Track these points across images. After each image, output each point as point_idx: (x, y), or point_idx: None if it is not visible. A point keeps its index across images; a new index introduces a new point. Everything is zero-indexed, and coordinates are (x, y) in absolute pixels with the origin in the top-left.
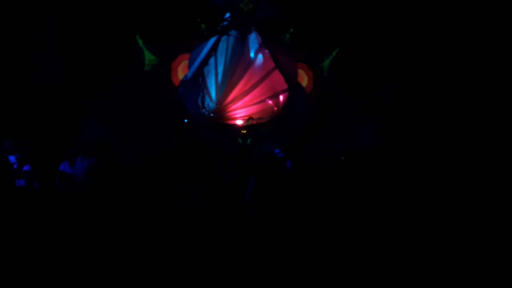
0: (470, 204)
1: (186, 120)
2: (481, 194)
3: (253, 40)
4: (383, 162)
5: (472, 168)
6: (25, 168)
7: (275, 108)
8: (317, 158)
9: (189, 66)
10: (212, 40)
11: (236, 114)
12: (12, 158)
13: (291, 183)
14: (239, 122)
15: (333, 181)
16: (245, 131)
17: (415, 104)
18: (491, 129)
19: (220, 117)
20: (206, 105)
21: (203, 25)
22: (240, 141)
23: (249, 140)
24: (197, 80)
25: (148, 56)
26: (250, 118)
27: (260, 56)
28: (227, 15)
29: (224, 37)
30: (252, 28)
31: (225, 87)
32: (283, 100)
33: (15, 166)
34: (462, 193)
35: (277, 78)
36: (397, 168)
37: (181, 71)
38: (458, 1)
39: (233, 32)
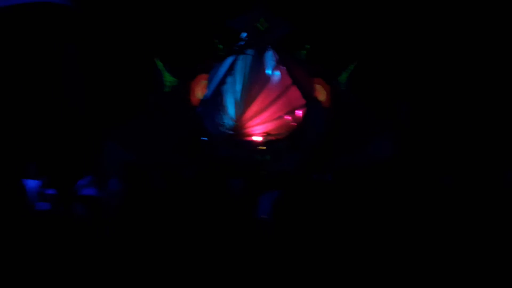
0: (485, 217)
1: (205, 138)
2: (495, 209)
3: (270, 57)
4: (402, 175)
5: (490, 181)
6: (50, 191)
7: (293, 124)
8: (338, 172)
9: (208, 85)
10: (229, 60)
11: (254, 130)
12: (35, 182)
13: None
14: (257, 138)
15: (355, 194)
16: (263, 147)
17: (433, 117)
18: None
19: (238, 134)
20: (224, 123)
21: (220, 46)
22: (259, 157)
23: (268, 156)
24: (216, 99)
25: (168, 78)
26: (268, 134)
27: (277, 73)
28: (244, 35)
29: (241, 56)
30: (269, 46)
31: (243, 104)
32: (301, 115)
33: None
34: (479, 206)
35: (295, 94)
36: (415, 181)
37: (200, 91)
38: (476, 18)
39: (250, 51)
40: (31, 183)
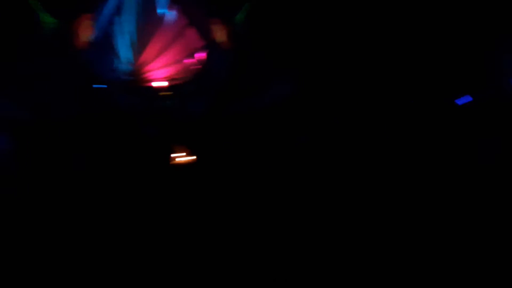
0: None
1: (97, 86)
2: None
3: None
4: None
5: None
6: None
7: (196, 67)
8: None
9: (94, 26)
10: None
11: (155, 75)
12: None
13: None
14: (161, 83)
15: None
16: (168, 93)
17: (332, 51)
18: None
19: (137, 79)
20: (119, 68)
21: None
22: (160, 103)
23: (170, 102)
24: (105, 41)
25: (46, 19)
26: (172, 78)
27: (171, 12)
28: None
29: None
30: None
31: (138, 47)
32: (200, 58)
33: None
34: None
35: (193, 35)
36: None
37: (85, 33)
38: None
39: None
40: None
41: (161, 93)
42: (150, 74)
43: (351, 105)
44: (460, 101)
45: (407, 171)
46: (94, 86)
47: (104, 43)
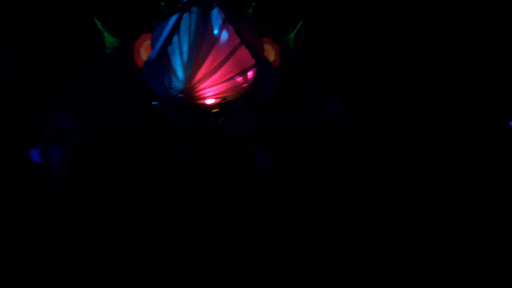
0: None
1: (155, 103)
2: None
3: (216, 16)
4: (353, 132)
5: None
6: None
7: (244, 85)
8: (290, 132)
9: (152, 46)
10: (174, 18)
11: (205, 93)
12: None
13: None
14: (210, 101)
15: (309, 152)
16: (216, 110)
17: (381, 73)
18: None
19: (189, 97)
20: (173, 86)
21: (162, 3)
22: (211, 120)
23: (221, 119)
24: (162, 60)
25: (109, 38)
26: (221, 96)
27: (224, 32)
28: None
29: (185, 15)
30: (214, 4)
31: (191, 66)
32: (251, 76)
33: None
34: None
35: (244, 54)
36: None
37: (144, 51)
38: None
39: (194, 9)
40: None
41: (213, 110)
42: (202, 92)
43: (401, 129)
44: None
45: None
46: (153, 103)
47: (161, 62)
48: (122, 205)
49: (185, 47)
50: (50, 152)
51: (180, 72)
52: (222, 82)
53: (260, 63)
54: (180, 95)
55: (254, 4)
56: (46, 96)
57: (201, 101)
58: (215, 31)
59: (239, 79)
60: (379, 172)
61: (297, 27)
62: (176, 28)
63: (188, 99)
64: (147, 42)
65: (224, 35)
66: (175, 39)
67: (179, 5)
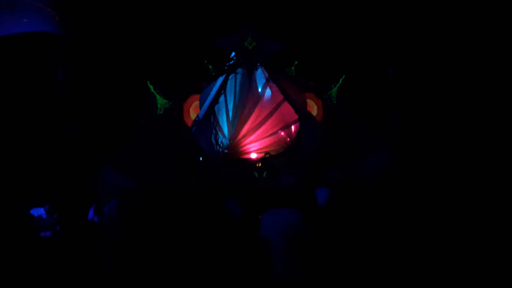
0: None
1: (201, 158)
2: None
3: (260, 75)
4: (402, 181)
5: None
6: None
7: (288, 139)
8: (336, 185)
9: (200, 106)
10: (220, 79)
11: (249, 148)
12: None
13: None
14: (253, 155)
15: (356, 205)
16: (260, 164)
17: (424, 124)
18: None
19: (234, 152)
20: (219, 142)
21: (210, 66)
22: (256, 175)
23: (265, 173)
24: (209, 118)
25: (160, 100)
26: (263, 150)
27: (268, 90)
28: (233, 54)
29: (231, 76)
30: (258, 64)
31: (237, 123)
32: (295, 130)
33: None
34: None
35: (287, 109)
36: (413, 188)
37: (193, 111)
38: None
39: (239, 70)
40: (37, 212)
41: (257, 165)
42: (247, 147)
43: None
44: None
45: None
46: (200, 159)
47: (209, 120)
48: (172, 261)
49: (230, 106)
50: (103, 209)
51: (226, 129)
52: (266, 137)
53: (303, 117)
54: (226, 150)
55: (296, 62)
56: (103, 156)
57: (246, 156)
58: (260, 89)
59: (283, 133)
60: (430, 218)
61: (339, 82)
62: (222, 88)
63: (233, 154)
64: (196, 103)
65: (268, 93)
66: (221, 98)
67: (225, 67)
